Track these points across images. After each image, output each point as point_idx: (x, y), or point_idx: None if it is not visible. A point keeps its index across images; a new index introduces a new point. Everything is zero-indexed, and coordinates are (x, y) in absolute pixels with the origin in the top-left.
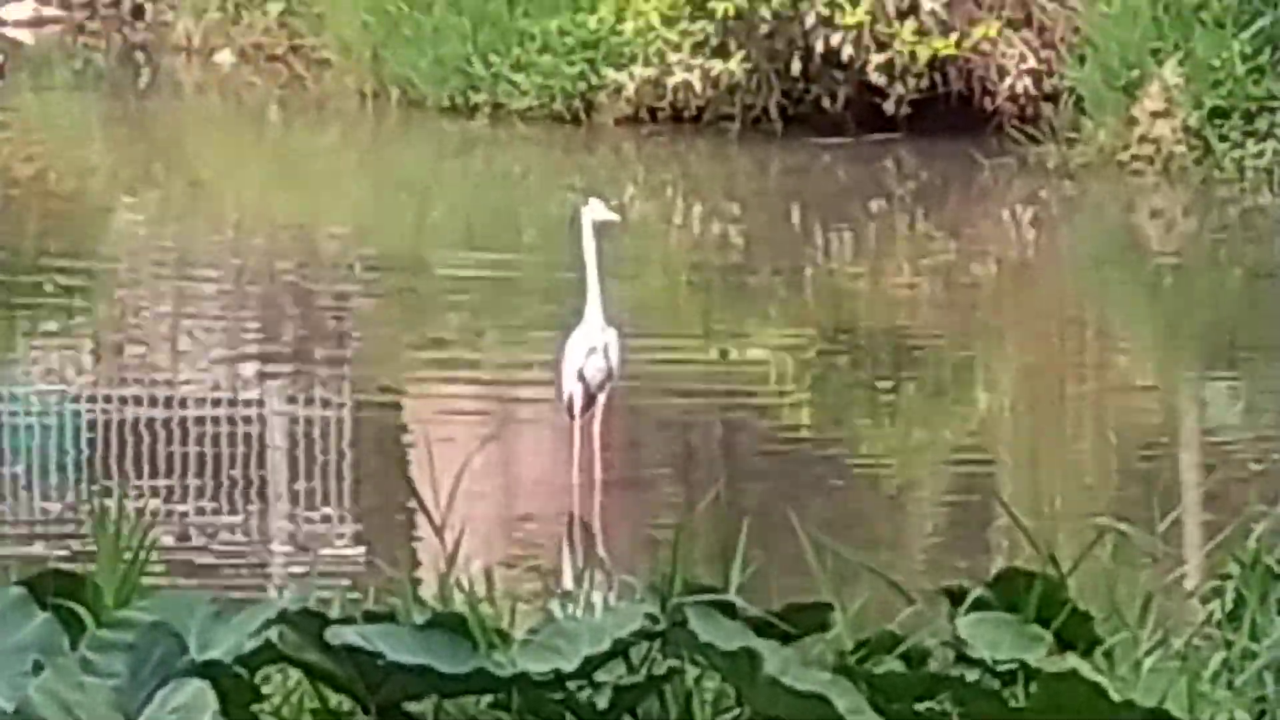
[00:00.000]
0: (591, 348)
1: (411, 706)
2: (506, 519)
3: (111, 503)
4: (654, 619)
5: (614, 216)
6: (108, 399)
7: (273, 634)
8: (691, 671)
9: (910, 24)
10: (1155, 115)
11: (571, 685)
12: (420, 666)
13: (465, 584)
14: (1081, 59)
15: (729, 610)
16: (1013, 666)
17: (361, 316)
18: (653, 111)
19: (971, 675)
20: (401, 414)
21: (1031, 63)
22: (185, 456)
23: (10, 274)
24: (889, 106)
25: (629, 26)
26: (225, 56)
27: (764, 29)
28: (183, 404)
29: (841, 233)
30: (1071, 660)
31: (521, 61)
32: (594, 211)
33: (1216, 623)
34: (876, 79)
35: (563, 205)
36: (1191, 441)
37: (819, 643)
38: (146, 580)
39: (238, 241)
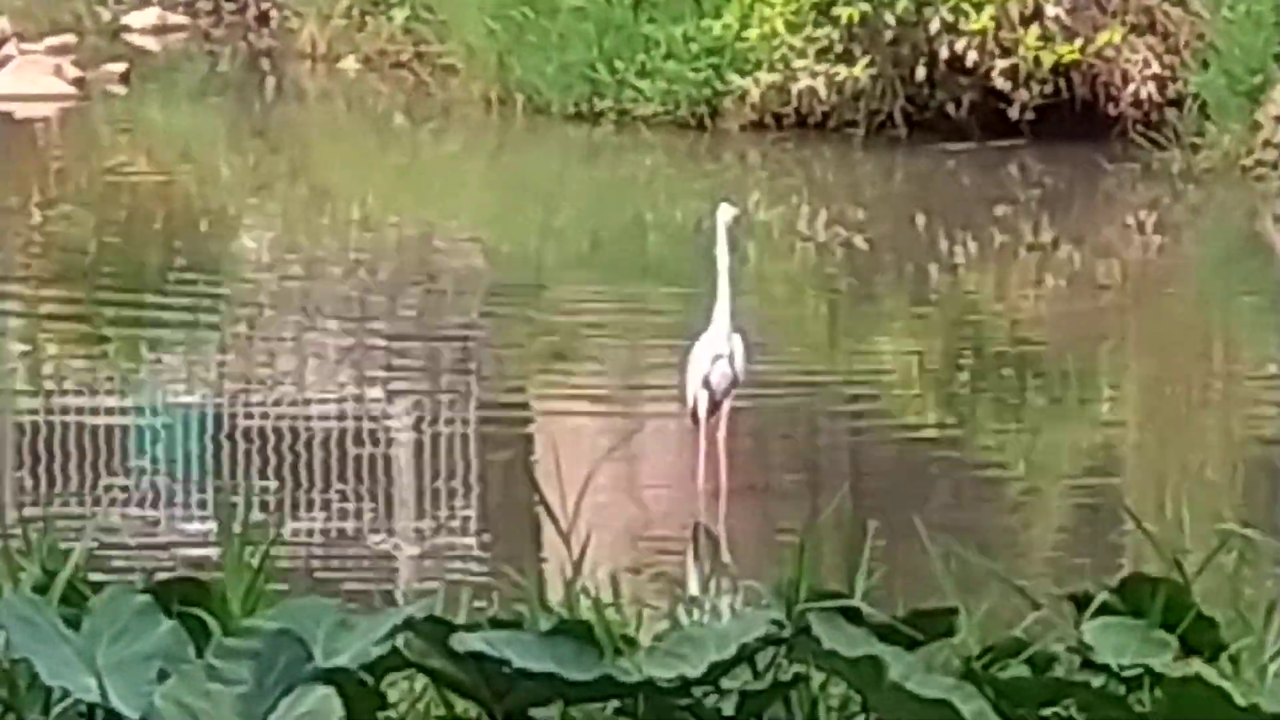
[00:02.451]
0: (717, 354)
1: (537, 713)
2: (632, 525)
3: (238, 511)
4: (779, 625)
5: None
6: (234, 410)
7: (399, 641)
8: (817, 677)
9: (1034, 30)
10: (1279, 120)
11: (697, 691)
12: (546, 673)
13: (591, 590)
14: (1205, 64)
15: (854, 616)
16: (1138, 672)
17: (487, 324)
18: (778, 117)
19: (1096, 681)
20: (527, 421)
21: (1155, 68)
22: (312, 466)
23: (138, 284)
24: (1013, 112)
25: (754, 32)
26: (350, 63)
27: (888, 35)
28: (308, 414)
29: (966, 238)
30: (1196, 665)
31: (647, 68)
32: (726, 215)
33: None
34: (1001, 85)
35: (688, 211)
36: None
37: (944, 648)
38: (272, 588)
39: (363, 251)
